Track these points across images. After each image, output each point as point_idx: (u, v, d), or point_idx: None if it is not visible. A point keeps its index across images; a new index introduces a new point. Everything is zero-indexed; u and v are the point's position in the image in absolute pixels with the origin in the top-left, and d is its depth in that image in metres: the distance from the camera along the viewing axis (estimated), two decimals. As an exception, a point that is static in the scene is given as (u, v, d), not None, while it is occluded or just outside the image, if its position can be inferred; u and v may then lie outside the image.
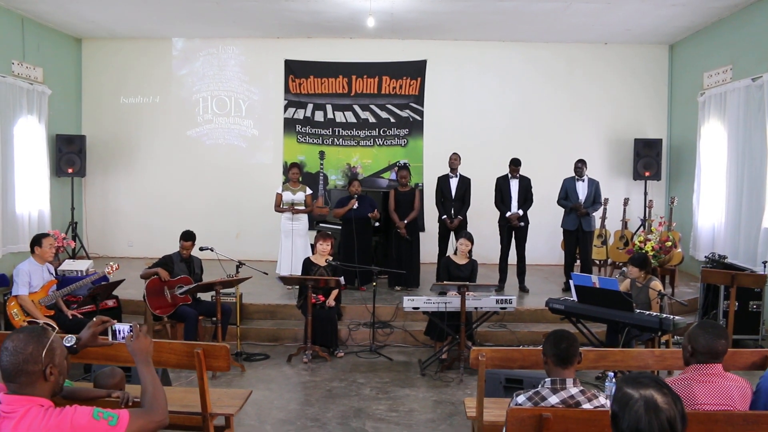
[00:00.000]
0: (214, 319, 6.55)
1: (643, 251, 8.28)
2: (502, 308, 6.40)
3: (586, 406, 2.93)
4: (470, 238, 7.08)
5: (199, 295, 7.02)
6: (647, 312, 5.75)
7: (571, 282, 6.24)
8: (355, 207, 8.76)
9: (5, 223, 9.25)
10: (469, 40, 11.27)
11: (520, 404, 2.99)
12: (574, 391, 2.96)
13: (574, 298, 6.19)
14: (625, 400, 1.88)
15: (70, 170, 10.65)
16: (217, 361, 3.72)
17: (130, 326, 2.66)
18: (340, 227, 9.23)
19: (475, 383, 5.95)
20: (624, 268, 6.30)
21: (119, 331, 2.69)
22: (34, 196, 10.00)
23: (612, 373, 4.20)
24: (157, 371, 5.00)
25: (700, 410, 2.83)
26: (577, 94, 11.38)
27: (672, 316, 5.55)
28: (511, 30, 10.61)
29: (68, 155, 10.65)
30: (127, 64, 11.56)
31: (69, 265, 7.40)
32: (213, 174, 11.52)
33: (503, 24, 10.17)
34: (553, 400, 2.94)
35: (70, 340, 2.68)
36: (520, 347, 5.30)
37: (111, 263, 6.53)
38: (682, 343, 3.05)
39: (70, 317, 6.00)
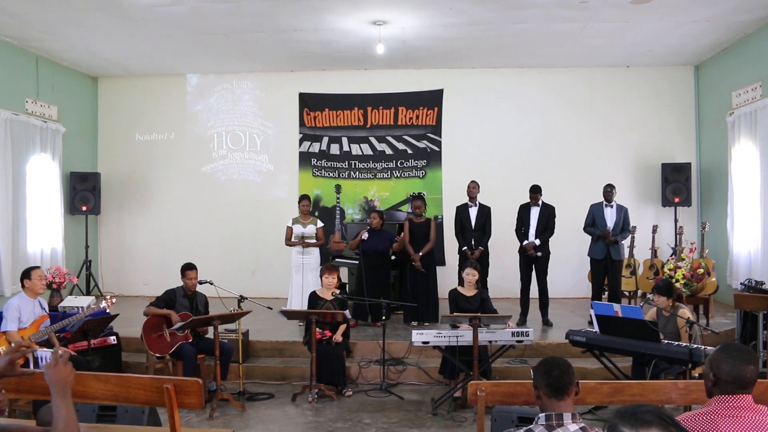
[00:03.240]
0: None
1: (673, 279, 7.80)
2: (518, 341, 5.96)
3: None
4: (476, 267, 6.66)
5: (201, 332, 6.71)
6: (676, 342, 5.27)
7: (591, 312, 5.79)
8: (364, 238, 8.42)
9: (16, 262, 9.12)
10: (486, 68, 11.02)
11: (509, 446, 2.59)
12: (573, 428, 2.51)
13: (596, 329, 5.74)
14: None
15: (84, 208, 10.57)
16: (189, 397, 3.39)
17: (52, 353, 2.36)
18: (357, 262, 8.92)
19: (489, 423, 5.51)
20: (650, 295, 5.84)
21: (42, 359, 2.39)
22: (47, 234, 9.90)
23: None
24: (143, 410, 4.70)
25: (728, 452, 2.35)
26: (601, 120, 11.00)
27: (703, 347, 5.06)
28: (528, 55, 10.32)
29: (82, 193, 10.58)
30: (142, 102, 11.55)
31: (70, 302, 7.14)
32: (228, 210, 11.34)
33: (520, 48, 9.90)
34: None
35: None
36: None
37: (108, 296, 6.27)
38: (703, 371, 2.60)
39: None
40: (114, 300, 6.26)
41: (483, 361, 6.03)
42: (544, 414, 2.58)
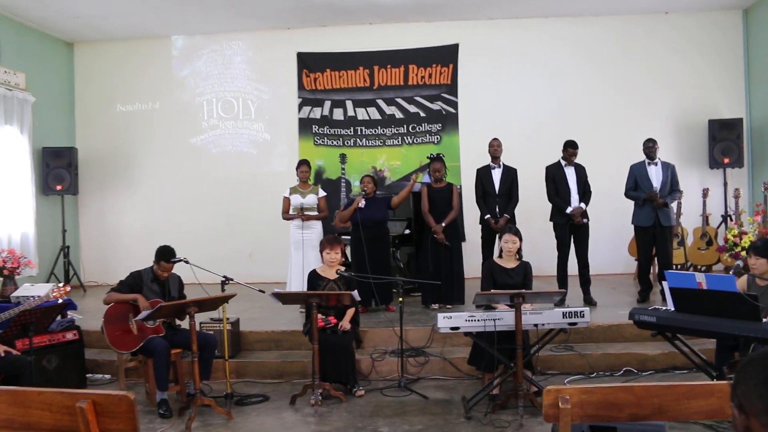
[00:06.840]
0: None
1: (738, 248, 6.61)
2: (571, 324, 4.77)
3: None
4: (517, 233, 5.44)
5: (178, 322, 5.55)
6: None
7: (664, 284, 4.59)
8: (361, 206, 7.22)
9: (-21, 248, 7.99)
10: (506, 18, 9.75)
11: None
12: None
13: (669, 306, 4.57)
14: None
15: (58, 187, 9.42)
16: (116, 421, 2.22)
17: None
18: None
19: (540, 428, 4.37)
20: (738, 262, 4.64)
21: None
22: (16, 217, 8.75)
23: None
24: None
25: None
26: (637, 74, 9.70)
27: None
28: (553, 2, 9.05)
29: (56, 170, 9.43)
30: (124, 68, 10.34)
31: (25, 291, 5.96)
32: (221, 186, 10.12)
33: (544, -9, 8.66)
34: None
35: None
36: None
37: (59, 285, 5.11)
38: None
39: (2, 354, 4.59)
40: (68, 288, 5.10)
41: (526, 350, 4.86)
42: None
